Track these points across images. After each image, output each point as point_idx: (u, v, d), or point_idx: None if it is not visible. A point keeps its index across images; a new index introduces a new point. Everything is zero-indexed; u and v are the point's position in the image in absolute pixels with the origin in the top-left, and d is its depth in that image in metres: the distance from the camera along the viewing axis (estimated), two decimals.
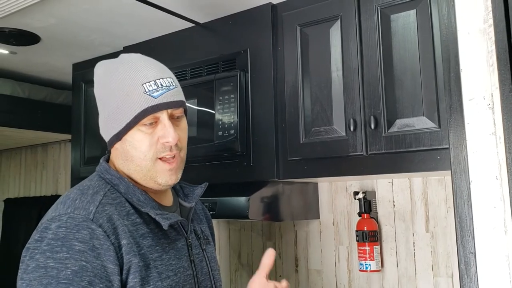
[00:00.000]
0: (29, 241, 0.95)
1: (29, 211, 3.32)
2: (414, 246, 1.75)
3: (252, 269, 2.15)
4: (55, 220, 0.94)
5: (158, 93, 1.02)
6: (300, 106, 1.57)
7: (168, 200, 1.15)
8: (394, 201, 1.81)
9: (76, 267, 0.89)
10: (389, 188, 1.83)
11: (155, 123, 1.03)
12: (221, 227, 2.29)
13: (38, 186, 3.48)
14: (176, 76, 1.89)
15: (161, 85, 1.03)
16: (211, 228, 1.32)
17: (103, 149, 2.15)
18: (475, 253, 0.88)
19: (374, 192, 1.85)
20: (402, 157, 1.35)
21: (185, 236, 1.12)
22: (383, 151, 1.38)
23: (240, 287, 2.18)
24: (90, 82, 2.33)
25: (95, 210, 0.95)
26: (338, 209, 1.94)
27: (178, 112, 1.07)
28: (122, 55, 1.12)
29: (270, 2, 1.68)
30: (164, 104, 1.02)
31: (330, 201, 1.96)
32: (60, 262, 0.89)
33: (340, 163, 1.48)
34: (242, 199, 1.61)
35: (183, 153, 1.09)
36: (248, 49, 1.70)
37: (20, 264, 0.94)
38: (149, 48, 2.05)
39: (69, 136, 2.52)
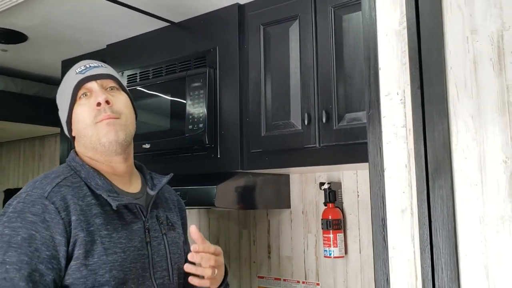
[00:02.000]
0: None
1: None
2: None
3: (229, 255, 2.26)
4: (17, 198, 1.09)
5: (87, 70, 1.21)
6: (262, 101, 1.67)
7: (134, 187, 1.27)
8: (358, 192, 1.91)
9: (26, 235, 1.03)
10: (353, 179, 1.93)
11: (89, 95, 1.18)
12: (202, 216, 2.40)
13: (36, 177, 3.61)
14: (152, 72, 2.01)
15: (90, 66, 1.22)
16: (183, 218, 1.42)
17: None
18: (386, 232, 0.98)
19: (340, 183, 1.95)
20: (350, 148, 1.45)
21: (143, 220, 1.22)
22: (334, 143, 1.48)
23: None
24: None
25: (51, 190, 1.09)
26: (308, 199, 2.04)
27: (109, 82, 1.22)
28: None
29: (237, 3, 1.78)
30: (92, 76, 1.19)
31: (300, 191, 2.06)
32: (13, 230, 1.03)
33: (296, 154, 1.58)
34: (210, 188, 1.71)
35: (125, 117, 1.21)
36: (217, 47, 1.80)
37: None
38: (130, 45, 2.16)
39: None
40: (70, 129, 1.23)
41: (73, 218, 1.08)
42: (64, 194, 1.10)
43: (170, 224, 1.31)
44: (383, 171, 0.99)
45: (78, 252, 1.07)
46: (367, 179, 1.89)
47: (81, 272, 1.07)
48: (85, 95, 1.18)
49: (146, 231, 1.22)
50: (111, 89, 1.22)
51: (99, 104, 1.16)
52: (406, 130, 0.97)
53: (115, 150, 1.19)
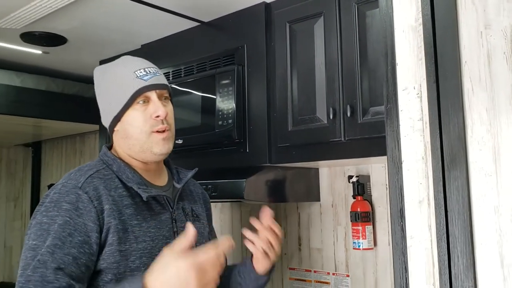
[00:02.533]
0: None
1: None
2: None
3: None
4: (53, 189, 1.17)
5: (147, 77, 1.25)
6: (289, 97, 1.72)
7: (162, 180, 1.35)
8: (387, 184, 1.93)
9: (61, 222, 1.11)
10: (382, 172, 1.95)
11: (147, 102, 1.24)
12: (234, 209, 2.47)
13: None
14: (184, 70, 2.08)
15: (149, 71, 1.26)
16: (208, 210, 1.50)
17: None
18: (404, 222, 1.01)
19: (369, 176, 1.97)
20: (375, 142, 1.48)
21: (170, 211, 1.30)
22: (359, 137, 1.51)
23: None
24: None
25: (84, 181, 1.17)
26: (337, 192, 2.07)
27: (165, 92, 1.28)
28: (114, 60, 1.36)
29: (264, 1, 1.83)
30: (153, 85, 1.25)
31: (329, 184, 2.10)
32: (51, 219, 1.12)
33: (322, 148, 1.62)
34: (239, 182, 1.77)
35: (172, 128, 1.30)
36: (245, 45, 1.86)
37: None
38: (163, 45, 2.24)
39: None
40: (114, 124, 1.27)
41: (106, 207, 1.16)
42: (96, 185, 1.18)
43: (195, 215, 1.39)
44: (401, 163, 1.02)
45: (112, 238, 1.15)
46: None
47: (115, 257, 1.15)
48: (143, 101, 1.23)
49: (173, 221, 1.29)
50: (165, 98, 1.28)
51: (158, 116, 1.23)
52: (423, 123, 1.00)
53: (161, 158, 1.29)
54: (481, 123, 0.93)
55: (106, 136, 2.65)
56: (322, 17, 1.64)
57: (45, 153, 4.13)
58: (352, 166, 2.02)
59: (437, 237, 0.96)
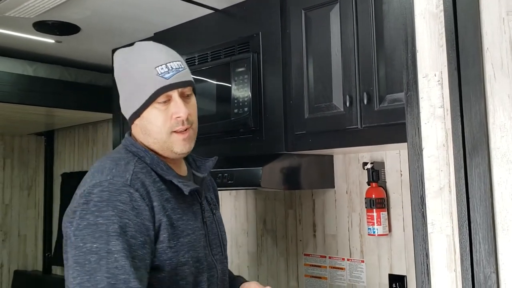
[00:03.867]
0: (73, 205, 1.12)
1: None
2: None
3: (276, 234, 2.34)
4: (97, 186, 1.10)
5: (169, 74, 1.19)
6: (305, 84, 1.72)
7: (183, 170, 1.34)
8: (401, 171, 1.93)
9: (121, 223, 1.07)
10: (396, 159, 1.95)
11: (168, 101, 1.20)
12: (249, 197, 2.49)
13: (90, 161, 3.81)
14: (198, 58, 2.08)
15: (171, 67, 1.20)
16: (217, 197, 1.52)
17: None
18: (425, 209, 1.02)
19: (383, 162, 1.98)
20: (392, 129, 1.48)
21: (199, 201, 1.30)
22: (375, 124, 1.52)
23: (266, 250, 2.39)
24: None
25: (131, 178, 1.13)
26: (351, 178, 2.08)
27: (187, 90, 1.24)
28: (137, 43, 1.30)
29: None
30: (174, 84, 1.20)
31: (344, 171, 2.10)
32: (108, 219, 1.06)
33: (339, 135, 1.62)
34: (256, 170, 1.78)
35: (195, 126, 1.26)
36: (260, 33, 1.85)
37: (68, 224, 1.10)
38: (176, 33, 2.24)
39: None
40: (134, 118, 1.23)
41: (155, 203, 1.14)
42: (142, 180, 1.15)
43: (214, 204, 1.42)
44: (422, 150, 1.03)
45: (163, 236, 1.14)
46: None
47: (167, 254, 1.14)
48: (164, 101, 1.19)
49: (202, 212, 1.31)
50: (187, 95, 1.24)
51: (178, 116, 1.19)
52: (444, 110, 1.00)
53: (182, 157, 1.28)
54: (504, 109, 0.93)
55: (119, 125, 2.67)
56: (338, 4, 1.63)
57: (57, 142, 4.17)
58: (367, 153, 2.02)
59: (458, 224, 0.97)
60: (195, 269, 1.20)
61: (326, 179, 2.13)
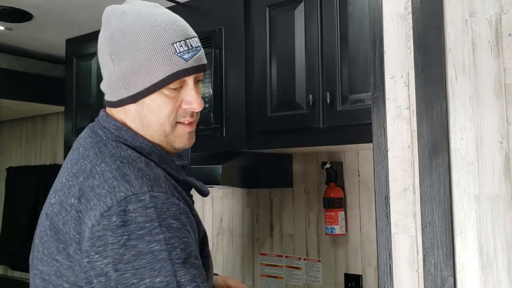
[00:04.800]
0: (99, 227, 0.82)
1: (30, 179, 3.50)
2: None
3: (232, 233, 2.32)
4: (133, 201, 0.83)
5: (188, 55, 0.92)
6: (268, 82, 1.70)
7: None
8: (359, 171, 1.95)
9: (182, 245, 0.84)
10: (355, 159, 1.97)
11: (180, 87, 0.94)
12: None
13: (37, 156, 3.65)
14: None
15: (191, 46, 0.93)
16: None
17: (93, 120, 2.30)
18: (389, 209, 1.02)
19: (342, 163, 1.99)
20: (353, 130, 1.49)
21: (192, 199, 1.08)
22: (337, 124, 1.52)
23: (221, 249, 2.36)
24: (82, 57, 2.48)
25: (166, 185, 0.89)
26: (309, 178, 2.09)
27: (202, 75, 0.99)
28: (142, 2, 0.99)
29: None
30: (194, 68, 0.93)
31: (303, 171, 2.11)
32: (166, 243, 0.82)
33: (301, 135, 1.62)
34: (215, 167, 1.75)
35: (198, 119, 1.03)
36: (223, 28, 1.82)
37: (95, 255, 0.82)
38: None
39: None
40: (127, 102, 0.95)
41: (194, 212, 0.94)
42: (174, 184, 0.92)
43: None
44: (387, 151, 1.03)
45: (206, 249, 0.97)
46: (368, 159, 1.93)
47: (205, 272, 0.93)
48: (175, 88, 0.93)
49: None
50: (197, 81, 0.99)
51: (191, 107, 0.96)
52: (410, 112, 1.01)
53: (179, 152, 1.04)
54: (464, 111, 0.94)
55: (72, 118, 2.55)
56: (303, 2, 1.63)
57: (3, 134, 3.97)
58: (325, 153, 2.03)
59: (422, 225, 0.98)
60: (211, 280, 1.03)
61: (285, 178, 2.12)
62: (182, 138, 0.97)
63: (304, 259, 2.08)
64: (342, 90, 1.52)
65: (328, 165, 1.96)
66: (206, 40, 1.87)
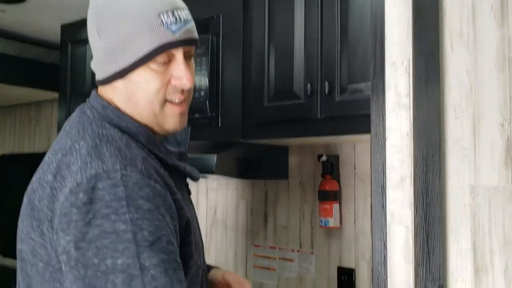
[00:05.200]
0: (67, 204, 0.79)
1: (23, 166, 3.47)
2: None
3: (226, 224, 2.30)
4: (102, 179, 0.80)
5: (176, 26, 0.88)
6: (265, 71, 1.68)
7: None
8: (355, 164, 1.93)
9: (152, 228, 0.79)
10: (351, 152, 1.95)
11: (168, 62, 0.90)
12: (200, 185, 2.43)
13: (31, 142, 3.62)
14: None
15: (179, 17, 0.89)
16: None
17: None
18: (385, 199, 1.00)
19: (338, 155, 1.97)
20: (352, 120, 1.47)
21: (187, 186, 1.04)
22: (335, 115, 1.50)
23: (215, 241, 2.34)
24: (77, 43, 2.45)
25: (143, 166, 0.84)
26: (305, 170, 2.06)
27: (193, 49, 0.95)
28: None
29: None
30: (182, 41, 0.89)
31: (298, 163, 2.09)
32: (133, 224, 0.77)
33: (298, 125, 1.60)
34: (210, 156, 1.73)
35: (191, 98, 0.98)
36: (221, 14, 1.79)
37: (60, 232, 0.79)
38: None
39: None
40: (114, 79, 0.91)
41: (177, 196, 0.88)
42: (155, 167, 0.87)
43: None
44: (385, 139, 1.01)
45: (190, 237, 0.91)
46: (364, 153, 1.91)
47: (192, 260, 0.91)
48: (164, 62, 0.90)
49: (188, 193, 1.05)
50: (189, 57, 0.95)
51: (180, 84, 0.91)
52: (410, 99, 0.99)
53: (170, 134, 1.00)
54: (460, 86, 0.89)
55: (66, 105, 2.52)
56: None
57: None
58: (322, 145, 2.01)
59: (417, 216, 0.96)
60: (202, 272, 1.00)
61: (280, 170, 2.10)
62: (171, 119, 0.93)
63: (298, 251, 2.06)
64: (341, 80, 1.50)
65: (324, 158, 1.94)
66: (203, 26, 1.84)
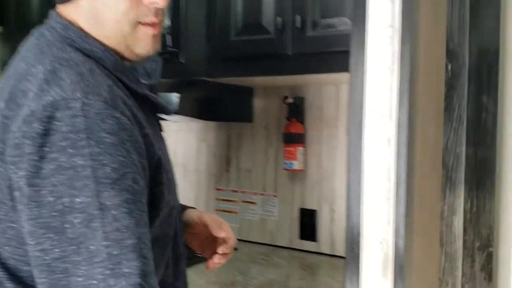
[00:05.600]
0: (19, 134, 0.70)
1: None
2: (336, 149, 1.87)
3: (187, 167, 2.24)
4: (61, 108, 0.70)
5: None
6: (232, 1, 1.57)
7: None
8: (322, 107, 1.89)
9: (115, 164, 0.70)
10: (318, 95, 1.90)
11: None
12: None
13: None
14: None
15: None
16: None
17: None
18: (362, 135, 0.96)
19: (304, 98, 1.92)
20: (324, 57, 1.41)
21: (159, 123, 0.94)
22: (307, 51, 1.43)
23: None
24: None
25: (109, 95, 0.74)
26: (270, 113, 2.01)
27: None
28: None
29: None
30: None
31: (263, 105, 2.03)
32: (93, 159, 0.69)
33: (267, 62, 1.52)
34: (173, 96, 1.64)
35: (164, 19, 0.89)
36: None
37: (12, 166, 0.71)
38: None
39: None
40: None
41: (148, 131, 0.79)
42: (122, 98, 0.77)
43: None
44: (364, 73, 0.96)
45: (162, 175, 0.82)
46: (332, 96, 1.87)
47: (164, 201, 0.84)
48: None
49: (160, 129, 0.96)
50: None
51: (154, 2, 0.81)
52: (393, 30, 0.93)
53: (141, 60, 0.90)
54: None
55: (11, 41, 2.32)
56: None
57: None
58: (288, 87, 1.95)
59: (396, 152, 0.93)
60: (176, 213, 0.93)
61: (245, 112, 2.05)
62: (144, 42, 0.83)
63: (261, 194, 2.04)
64: (314, 13, 1.42)
65: (290, 100, 1.89)
66: None
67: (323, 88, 1.88)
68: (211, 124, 2.15)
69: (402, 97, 0.92)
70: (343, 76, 1.64)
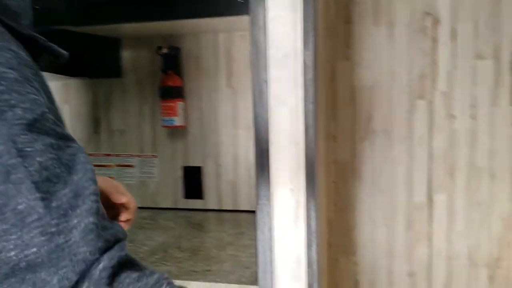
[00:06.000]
0: None
1: None
2: (217, 101, 1.79)
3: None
4: None
5: None
6: None
7: None
8: (199, 57, 1.78)
9: (27, 104, 0.54)
10: (195, 44, 1.78)
11: None
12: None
13: None
14: None
15: None
16: None
17: None
18: (267, 80, 0.89)
19: (180, 48, 1.79)
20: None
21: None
22: None
23: None
24: None
25: None
26: (142, 66, 1.84)
27: None
28: None
29: None
30: None
31: (134, 58, 1.84)
32: None
33: (144, 6, 1.35)
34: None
35: None
36: None
37: None
38: None
39: None
40: None
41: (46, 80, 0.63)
42: (9, 39, 0.59)
43: None
44: (266, 10, 0.88)
45: None
46: (210, 45, 1.76)
47: None
48: None
49: None
50: None
51: None
52: None
53: None
54: None
55: None
56: None
57: None
58: (160, 36, 1.79)
59: (304, 96, 0.88)
60: None
61: (112, 67, 1.84)
62: None
63: (138, 156, 1.89)
64: None
65: (165, 50, 1.74)
66: None
67: (200, 36, 1.76)
68: (72, 81, 1.91)
69: (307, 36, 0.86)
70: (220, 23, 1.55)
